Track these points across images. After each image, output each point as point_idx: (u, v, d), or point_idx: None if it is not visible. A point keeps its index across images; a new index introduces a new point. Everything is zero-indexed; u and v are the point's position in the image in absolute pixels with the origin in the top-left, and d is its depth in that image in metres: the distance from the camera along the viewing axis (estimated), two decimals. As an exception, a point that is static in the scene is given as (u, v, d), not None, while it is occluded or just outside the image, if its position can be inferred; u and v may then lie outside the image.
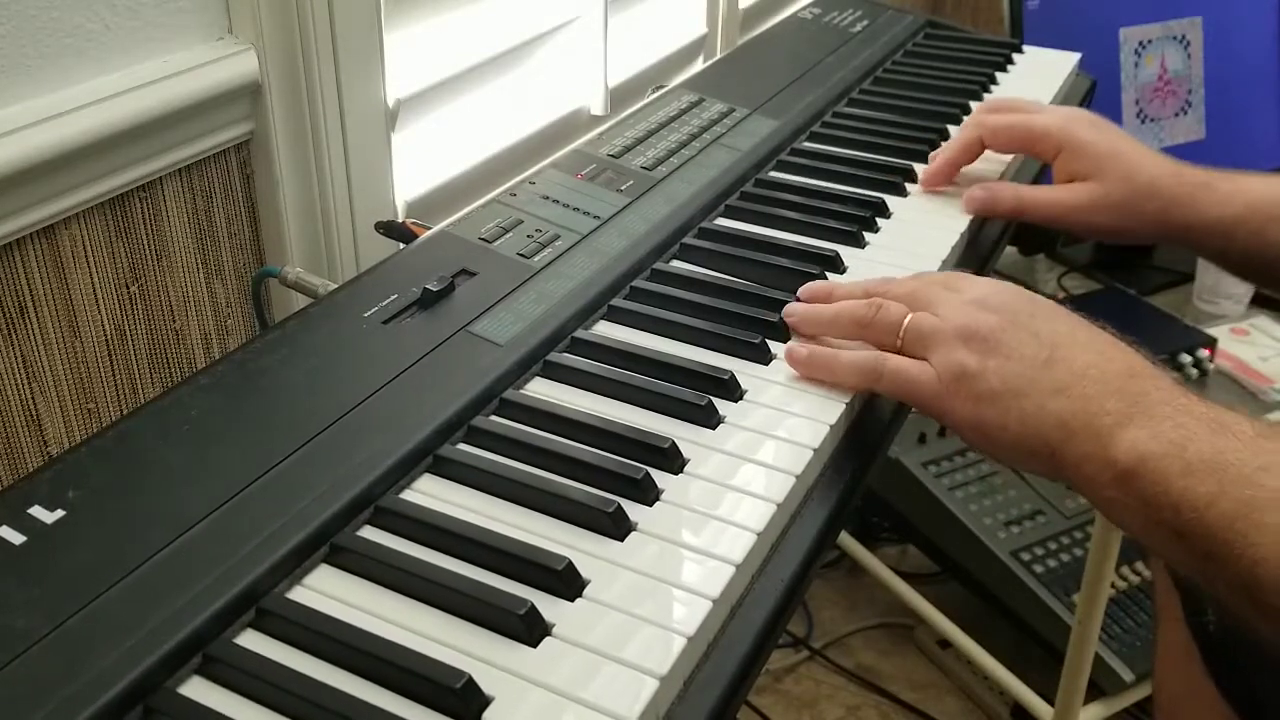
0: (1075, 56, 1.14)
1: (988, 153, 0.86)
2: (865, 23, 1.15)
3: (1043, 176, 0.90)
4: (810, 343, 0.65)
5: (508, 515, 0.52)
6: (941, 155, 0.85)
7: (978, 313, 0.60)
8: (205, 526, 0.48)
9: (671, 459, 0.56)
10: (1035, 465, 0.59)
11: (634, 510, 0.52)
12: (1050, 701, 1.39)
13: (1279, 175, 0.84)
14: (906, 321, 0.62)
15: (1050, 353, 0.58)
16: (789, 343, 0.63)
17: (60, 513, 0.48)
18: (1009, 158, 0.89)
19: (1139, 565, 1.44)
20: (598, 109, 1.20)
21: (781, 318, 0.66)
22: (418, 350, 0.60)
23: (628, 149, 0.84)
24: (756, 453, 0.57)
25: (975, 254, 0.82)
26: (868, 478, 0.61)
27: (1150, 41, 1.62)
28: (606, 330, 0.67)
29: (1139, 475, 0.54)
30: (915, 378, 0.60)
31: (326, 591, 0.48)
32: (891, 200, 0.83)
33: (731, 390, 0.61)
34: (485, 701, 0.43)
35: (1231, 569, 0.51)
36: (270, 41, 0.82)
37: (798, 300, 0.68)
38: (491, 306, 0.65)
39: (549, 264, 0.69)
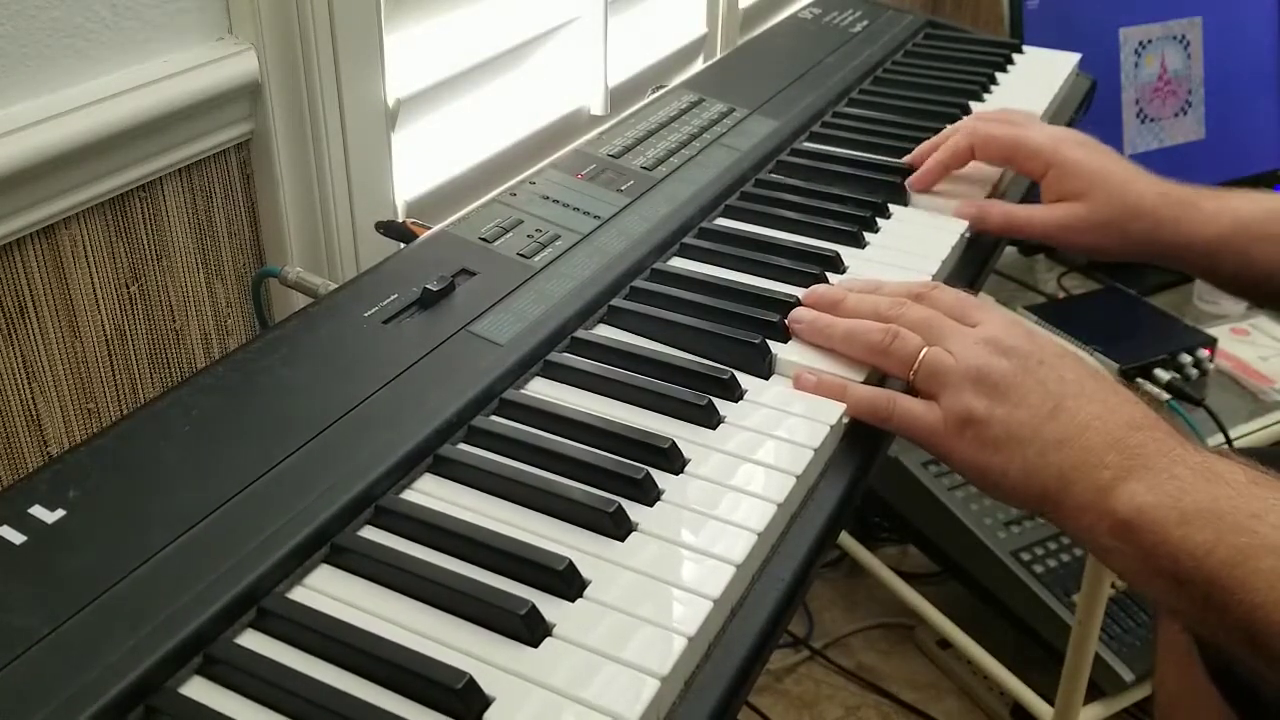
0: (1075, 56, 1.14)
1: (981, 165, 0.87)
2: (865, 23, 1.15)
3: (1033, 191, 0.90)
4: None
5: (508, 515, 0.52)
6: (932, 159, 0.86)
7: (990, 356, 0.61)
8: (206, 526, 0.48)
9: (672, 459, 0.56)
10: (1033, 510, 0.60)
11: (634, 510, 0.52)
12: (1050, 701, 1.39)
13: (1263, 193, 0.84)
14: (921, 357, 0.62)
15: (1056, 403, 0.59)
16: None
17: (61, 513, 0.48)
18: (997, 170, 0.89)
19: (1139, 565, 1.44)
20: (598, 109, 1.19)
21: (782, 319, 0.66)
22: (418, 350, 0.60)
23: (628, 149, 0.84)
24: (757, 453, 0.57)
25: (975, 254, 0.82)
26: (868, 478, 0.61)
27: (1150, 41, 1.62)
28: (606, 330, 0.67)
29: (1137, 526, 0.55)
30: (922, 420, 0.61)
31: (327, 591, 0.48)
32: (891, 201, 0.83)
33: (732, 390, 0.61)
34: (486, 702, 0.43)
35: (1231, 615, 0.52)
36: (270, 41, 0.82)
37: (802, 304, 0.68)
38: (492, 306, 0.65)
39: (549, 264, 0.69)
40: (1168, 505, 0.54)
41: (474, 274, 0.67)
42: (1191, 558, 0.53)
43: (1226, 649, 0.56)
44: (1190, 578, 0.53)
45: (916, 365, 0.62)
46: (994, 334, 0.62)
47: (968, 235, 0.81)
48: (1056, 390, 0.59)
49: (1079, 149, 0.83)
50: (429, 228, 0.74)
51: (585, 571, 0.49)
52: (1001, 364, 0.60)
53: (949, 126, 0.88)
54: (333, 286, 0.72)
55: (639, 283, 0.70)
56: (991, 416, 0.59)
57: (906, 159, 0.88)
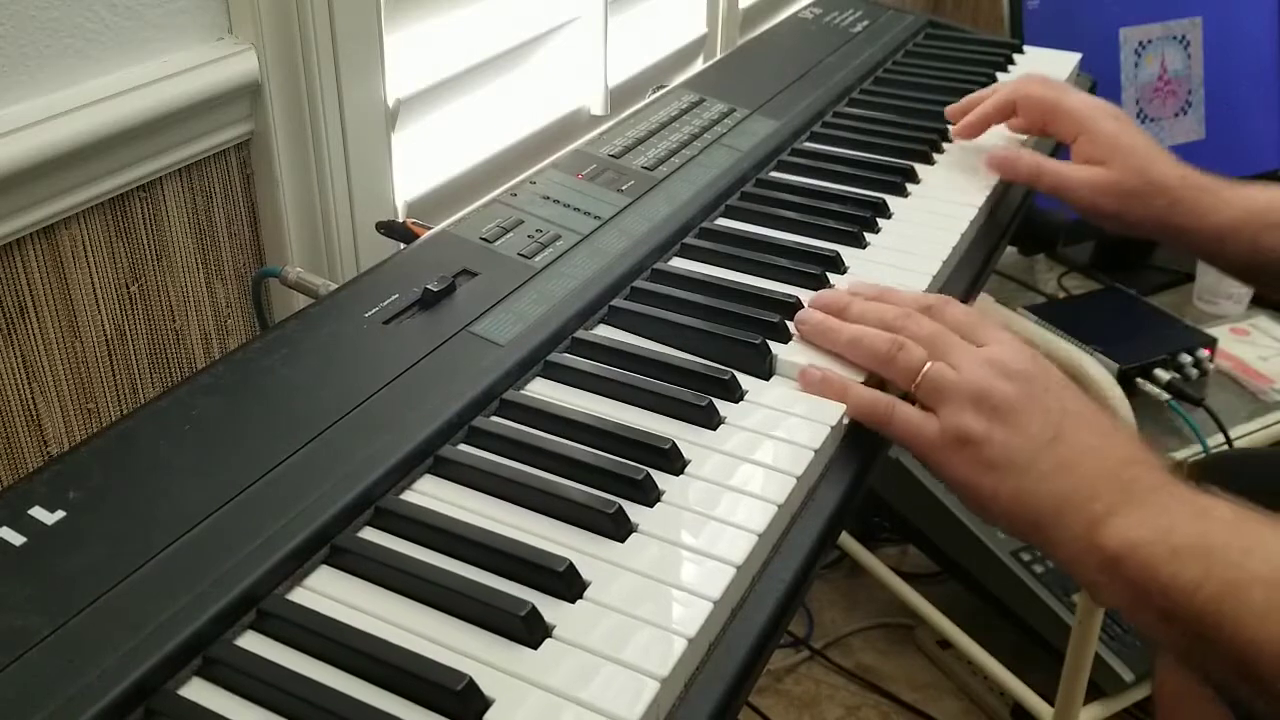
0: (1075, 57, 1.14)
1: (1007, 130, 0.93)
2: (865, 23, 1.15)
3: (1061, 155, 0.92)
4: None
5: (508, 516, 0.52)
6: (979, 110, 0.90)
7: (994, 377, 0.60)
8: (205, 527, 0.48)
9: (672, 460, 0.55)
10: (1020, 536, 0.60)
11: (635, 511, 0.52)
12: (1050, 701, 1.39)
13: (1278, 184, 0.85)
14: (925, 370, 0.62)
15: (1055, 433, 0.59)
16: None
17: (60, 513, 0.48)
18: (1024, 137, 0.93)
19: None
20: (598, 109, 1.19)
21: (783, 319, 0.66)
22: (418, 350, 0.60)
23: (628, 149, 0.84)
24: (757, 453, 0.57)
25: (976, 254, 0.82)
26: (869, 479, 0.61)
27: (1150, 41, 1.62)
28: (607, 331, 0.67)
29: (1127, 561, 0.55)
30: (920, 431, 0.61)
31: (327, 593, 0.48)
32: (892, 200, 0.83)
33: (732, 391, 0.61)
34: (486, 703, 0.43)
35: (1222, 649, 0.52)
36: (270, 41, 0.82)
37: (809, 308, 0.68)
38: (492, 307, 0.64)
39: (550, 264, 0.69)
40: (1158, 541, 0.54)
41: (474, 274, 0.67)
42: (1181, 593, 0.53)
43: (1219, 682, 0.56)
44: (1180, 613, 0.53)
45: (919, 378, 0.62)
46: (1000, 356, 0.62)
47: (968, 235, 0.81)
48: (1057, 420, 0.59)
49: (1112, 120, 0.86)
50: (429, 228, 0.74)
51: (585, 572, 0.49)
52: (1005, 387, 0.60)
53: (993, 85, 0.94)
54: (333, 287, 0.71)
55: (640, 283, 0.70)
56: (990, 438, 0.59)
57: (950, 109, 0.94)
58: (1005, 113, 0.90)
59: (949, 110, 0.94)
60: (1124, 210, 0.84)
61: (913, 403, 0.63)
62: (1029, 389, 0.60)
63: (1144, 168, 0.83)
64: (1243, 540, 0.53)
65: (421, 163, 1.00)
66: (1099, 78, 1.18)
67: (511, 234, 0.71)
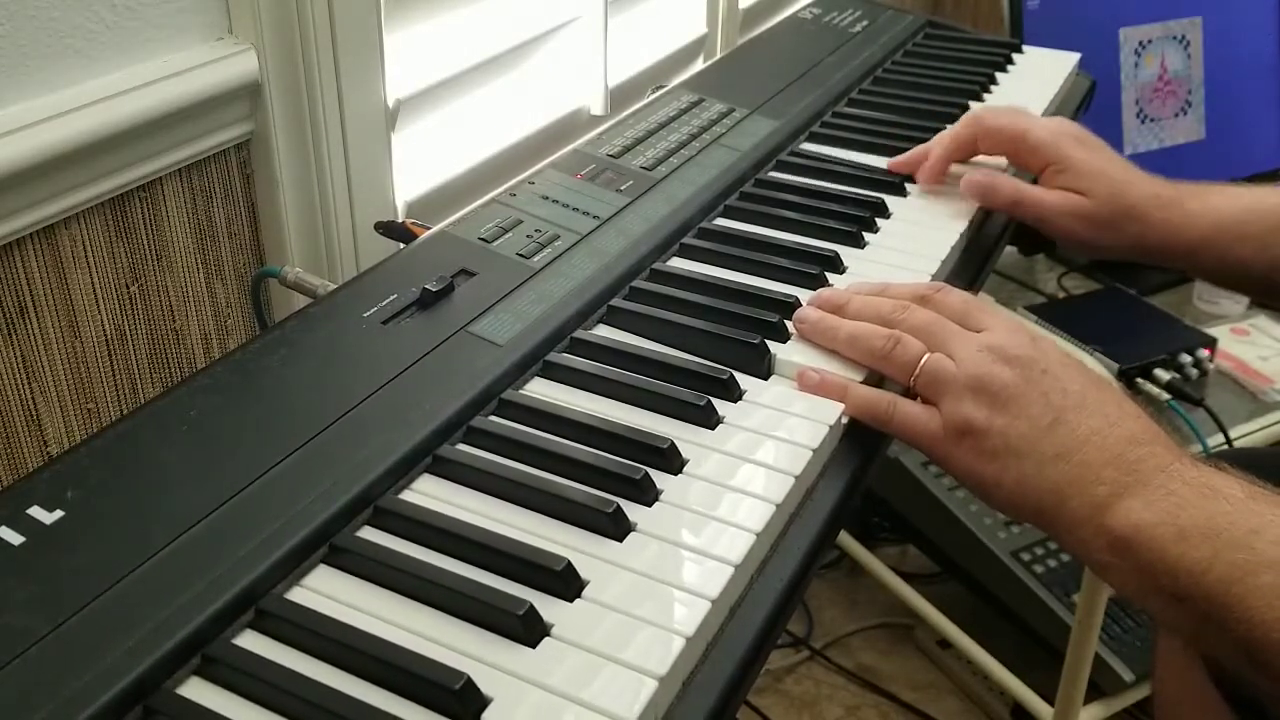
0: (1075, 56, 1.14)
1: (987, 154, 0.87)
2: (865, 23, 1.15)
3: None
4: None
5: (507, 515, 0.52)
6: (935, 151, 0.85)
7: (992, 364, 0.60)
8: (204, 527, 0.48)
9: (671, 459, 0.56)
10: (1028, 521, 0.60)
11: (633, 511, 0.52)
12: (1050, 701, 1.39)
13: (1244, 188, 0.85)
14: (922, 363, 0.62)
15: (1056, 416, 0.58)
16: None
17: (59, 513, 0.48)
18: (1005, 160, 0.89)
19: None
20: (598, 109, 1.20)
21: (781, 319, 0.66)
22: (417, 350, 0.60)
23: (627, 149, 0.84)
24: (756, 453, 0.57)
25: (975, 254, 0.82)
26: (867, 478, 0.61)
27: (1150, 41, 1.62)
28: (606, 330, 0.67)
29: (1134, 543, 0.55)
30: (922, 426, 0.61)
31: (325, 592, 0.48)
32: (891, 200, 0.83)
33: (731, 390, 0.61)
34: (484, 702, 0.43)
35: (1230, 631, 0.52)
36: (270, 41, 0.82)
37: (807, 306, 0.68)
38: (491, 307, 0.65)
39: (548, 264, 0.69)
40: (1165, 522, 0.54)
41: (473, 274, 0.67)
42: (1189, 575, 0.53)
43: (1226, 665, 0.55)
44: (1188, 595, 0.53)
45: (917, 372, 0.62)
46: (998, 341, 0.61)
47: (967, 235, 0.81)
48: (1058, 402, 0.59)
49: (1079, 147, 0.84)
50: (428, 228, 0.74)
51: (584, 572, 0.49)
52: (1003, 373, 0.60)
53: (948, 127, 0.89)
54: (332, 287, 0.71)
55: (638, 283, 0.70)
56: (990, 427, 0.59)
57: (893, 163, 0.88)
58: (965, 150, 0.86)
59: (892, 163, 0.87)
60: (1101, 237, 0.83)
61: (913, 397, 0.63)
62: (1028, 373, 0.60)
63: (1116, 194, 0.82)
64: (1251, 521, 0.53)
65: (421, 163, 1.00)
66: (1099, 78, 1.18)
67: (510, 234, 0.72)
